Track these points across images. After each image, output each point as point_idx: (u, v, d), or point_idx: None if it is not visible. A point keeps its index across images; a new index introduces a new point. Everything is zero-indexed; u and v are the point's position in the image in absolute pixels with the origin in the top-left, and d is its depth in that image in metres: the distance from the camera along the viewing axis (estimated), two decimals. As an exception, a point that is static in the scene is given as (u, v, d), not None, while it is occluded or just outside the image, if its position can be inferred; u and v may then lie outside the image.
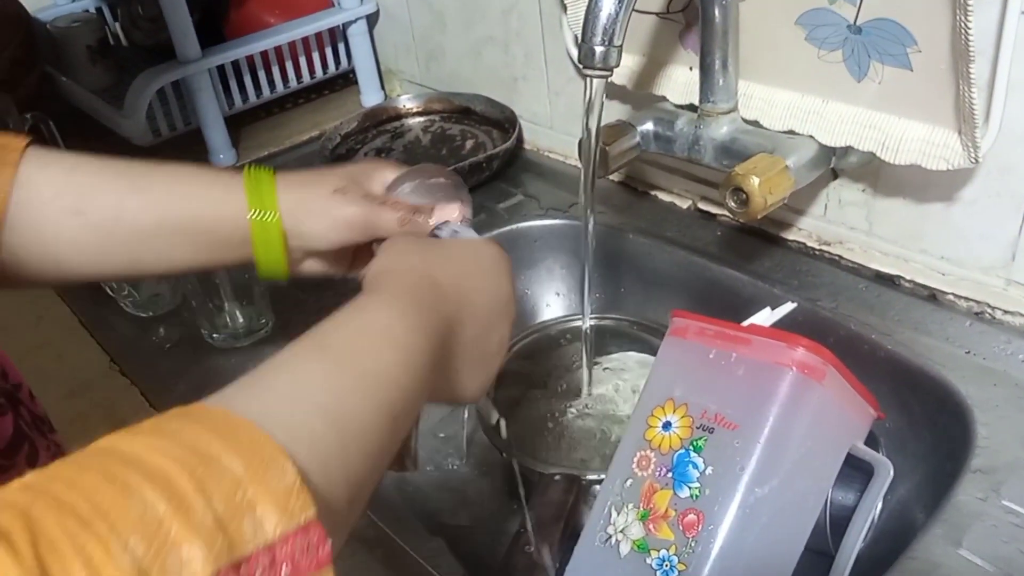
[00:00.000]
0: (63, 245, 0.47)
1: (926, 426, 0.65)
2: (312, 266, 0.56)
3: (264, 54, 1.13)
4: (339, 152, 1.07)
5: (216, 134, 1.10)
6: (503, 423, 0.64)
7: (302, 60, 1.18)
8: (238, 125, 1.19)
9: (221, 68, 1.10)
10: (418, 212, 0.52)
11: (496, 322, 0.47)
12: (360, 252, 0.55)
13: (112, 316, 0.84)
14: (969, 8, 0.55)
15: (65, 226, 0.47)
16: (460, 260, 0.47)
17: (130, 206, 0.49)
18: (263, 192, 0.51)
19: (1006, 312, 0.68)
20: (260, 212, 0.51)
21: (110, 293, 0.83)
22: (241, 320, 0.78)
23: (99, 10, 1.35)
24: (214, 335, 0.77)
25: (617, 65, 0.60)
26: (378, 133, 1.12)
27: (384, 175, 0.56)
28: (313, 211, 0.52)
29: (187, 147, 1.13)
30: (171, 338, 0.80)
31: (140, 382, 0.75)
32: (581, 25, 0.60)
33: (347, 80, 1.28)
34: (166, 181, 0.50)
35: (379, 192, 0.55)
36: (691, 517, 0.53)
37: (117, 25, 1.36)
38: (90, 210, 0.47)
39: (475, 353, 0.45)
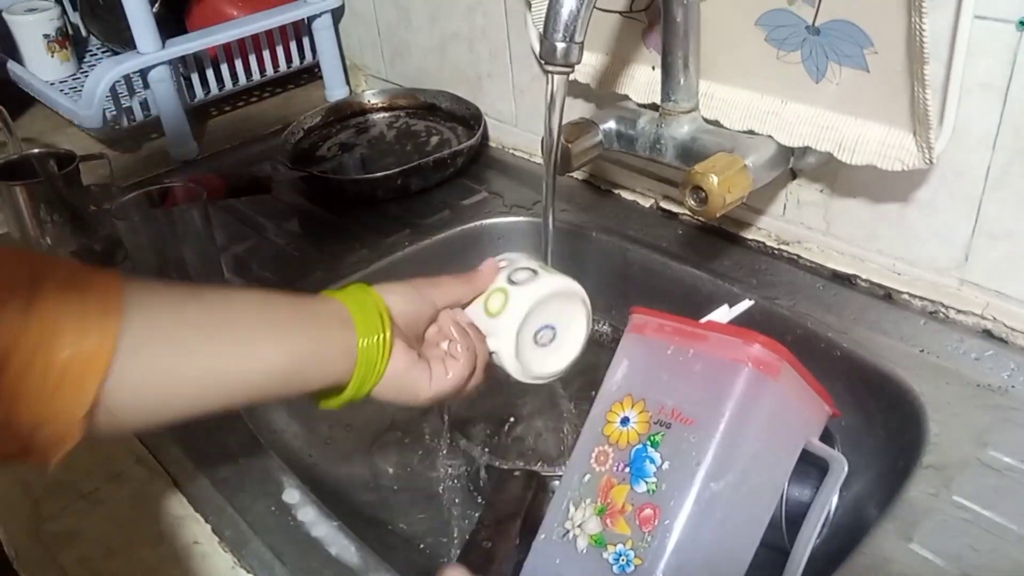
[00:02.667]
0: (159, 400, 0.45)
1: (880, 423, 0.66)
2: None
3: (227, 47, 1.12)
4: (302, 146, 1.07)
5: (177, 127, 1.08)
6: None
7: (265, 53, 1.17)
8: (200, 118, 1.18)
9: (183, 60, 1.08)
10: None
11: None
12: None
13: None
14: (924, 11, 0.56)
15: (164, 384, 0.45)
16: None
17: (231, 368, 0.47)
18: (376, 362, 0.52)
19: (959, 312, 0.69)
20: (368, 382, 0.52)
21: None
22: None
23: (58, -1, 1.32)
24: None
25: (578, 62, 0.60)
26: (342, 128, 1.11)
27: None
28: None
29: (147, 139, 1.12)
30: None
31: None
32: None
33: (311, 74, 1.27)
34: (271, 336, 0.49)
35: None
36: (647, 512, 0.53)
37: (76, 14, 1.34)
38: (191, 372, 0.45)
39: None
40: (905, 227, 0.70)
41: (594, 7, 0.59)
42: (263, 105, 1.24)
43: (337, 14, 1.21)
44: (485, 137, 1.05)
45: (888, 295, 0.73)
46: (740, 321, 0.63)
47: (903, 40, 0.59)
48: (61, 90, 1.16)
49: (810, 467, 0.59)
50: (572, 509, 0.57)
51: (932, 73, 0.58)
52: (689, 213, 0.75)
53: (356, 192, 0.95)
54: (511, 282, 0.59)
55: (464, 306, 0.59)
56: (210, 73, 1.13)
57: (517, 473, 0.64)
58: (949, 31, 0.59)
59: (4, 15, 1.22)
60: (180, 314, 0.45)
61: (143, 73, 1.04)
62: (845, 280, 0.75)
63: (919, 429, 0.61)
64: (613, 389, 0.60)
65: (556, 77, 0.62)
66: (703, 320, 0.61)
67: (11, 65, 1.22)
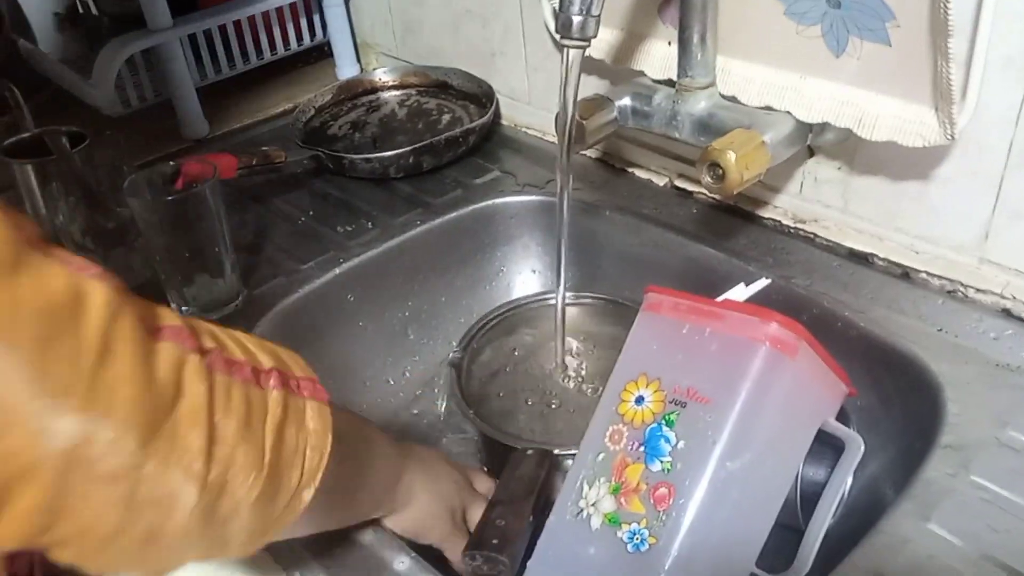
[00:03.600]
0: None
1: (897, 403, 0.65)
2: None
3: (238, 24, 1.11)
4: (313, 125, 1.06)
5: (188, 105, 1.08)
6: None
7: (276, 31, 1.16)
8: (211, 96, 1.17)
9: (193, 38, 1.08)
10: None
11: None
12: None
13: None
14: (948, -18, 0.54)
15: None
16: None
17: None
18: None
19: (978, 291, 0.68)
20: None
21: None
22: (211, 293, 0.76)
23: (68, -23, 1.32)
24: (183, 308, 0.76)
25: (595, 35, 0.60)
26: (353, 106, 1.10)
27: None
28: None
29: (158, 118, 1.11)
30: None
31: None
32: (558, -6, 0.59)
33: (322, 53, 1.26)
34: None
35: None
36: (662, 491, 0.53)
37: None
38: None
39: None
40: (924, 205, 0.69)
41: (610, -20, 0.58)
42: (273, 83, 1.23)
43: (348, -9, 1.20)
44: (497, 115, 1.04)
45: (906, 274, 0.72)
46: (756, 300, 0.62)
47: (927, 13, 0.58)
48: (72, 69, 1.15)
49: (826, 447, 0.59)
50: (586, 488, 0.57)
51: (956, 46, 0.57)
52: (704, 191, 0.74)
53: (368, 171, 0.95)
54: None
55: None
56: (221, 51, 1.12)
57: (531, 452, 0.64)
58: (974, 3, 0.58)
59: (14, -7, 1.21)
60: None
61: (154, 51, 1.04)
62: (862, 259, 0.74)
63: (937, 409, 0.60)
64: (628, 368, 0.59)
65: (572, 51, 0.61)
66: (719, 299, 0.61)
67: (22, 44, 1.21)
